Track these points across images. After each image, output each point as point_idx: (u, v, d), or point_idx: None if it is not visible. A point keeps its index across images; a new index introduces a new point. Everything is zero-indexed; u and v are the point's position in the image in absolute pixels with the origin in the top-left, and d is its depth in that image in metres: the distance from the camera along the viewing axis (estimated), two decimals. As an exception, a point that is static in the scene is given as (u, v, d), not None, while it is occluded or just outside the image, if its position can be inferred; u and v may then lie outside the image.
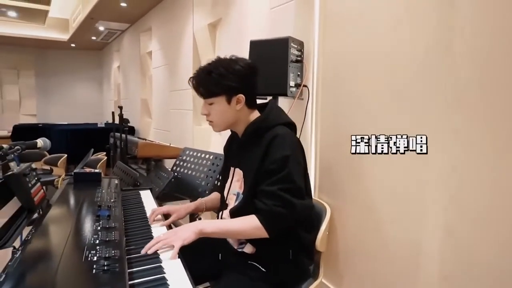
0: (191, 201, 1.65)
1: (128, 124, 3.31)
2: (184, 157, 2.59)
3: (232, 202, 1.35)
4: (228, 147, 1.52)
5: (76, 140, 5.96)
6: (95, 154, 4.55)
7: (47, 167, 4.46)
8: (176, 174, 2.39)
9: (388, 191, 1.40)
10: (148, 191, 1.92)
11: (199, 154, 2.52)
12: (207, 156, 2.45)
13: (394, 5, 1.39)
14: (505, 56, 1.04)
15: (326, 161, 1.40)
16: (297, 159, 1.20)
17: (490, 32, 1.08)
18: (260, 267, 1.24)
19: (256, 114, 1.31)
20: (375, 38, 1.46)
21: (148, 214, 1.43)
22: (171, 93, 4.51)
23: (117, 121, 3.07)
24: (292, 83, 1.94)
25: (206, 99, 1.26)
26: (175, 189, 2.36)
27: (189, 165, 2.52)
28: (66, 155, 4.79)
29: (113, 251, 0.91)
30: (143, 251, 1.05)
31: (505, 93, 1.05)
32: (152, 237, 1.17)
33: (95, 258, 0.86)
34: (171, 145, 3.14)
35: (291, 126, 1.32)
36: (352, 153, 1.42)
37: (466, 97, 1.14)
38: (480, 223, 1.09)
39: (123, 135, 2.79)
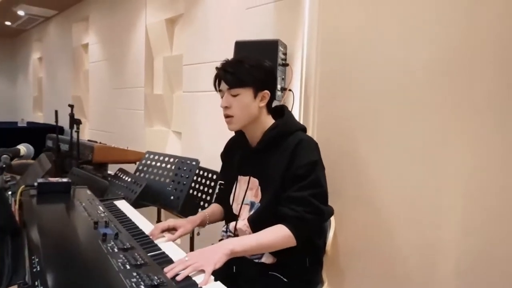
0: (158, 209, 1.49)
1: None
2: (148, 162, 2.39)
3: (245, 212, 1.27)
4: (228, 154, 1.43)
5: (-11, 142, 5.10)
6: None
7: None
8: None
9: (396, 192, 1.45)
10: (123, 201, 1.73)
11: (163, 158, 2.34)
12: (171, 160, 2.30)
13: (398, 10, 1.45)
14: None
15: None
16: (322, 165, 1.20)
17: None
18: (282, 277, 1.20)
19: (271, 119, 1.27)
20: (380, 40, 1.50)
21: (140, 227, 1.28)
22: (116, 91, 4.13)
23: (64, 122, 2.70)
24: (278, 87, 1.91)
25: (231, 89, 1.18)
26: (142, 196, 2.16)
27: (154, 170, 2.32)
28: (-20, 159, 4.06)
29: (155, 277, 0.78)
30: (169, 274, 0.88)
31: None
32: (165, 255, 1.04)
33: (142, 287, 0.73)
34: (129, 149, 2.86)
35: (305, 130, 1.31)
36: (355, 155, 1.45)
37: (477, 99, 1.22)
38: (498, 224, 1.19)
39: (74, 138, 2.45)
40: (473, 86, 1.25)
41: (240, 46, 1.93)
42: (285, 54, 1.97)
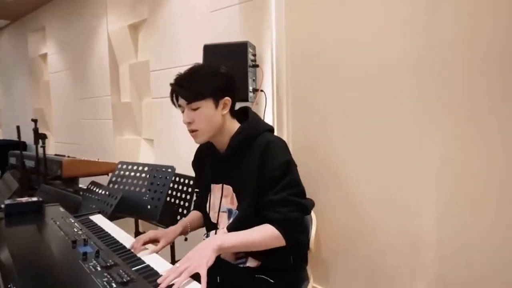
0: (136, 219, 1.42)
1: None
2: (121, 172, 2.32)
3: (223, 220, 1.26)
4: (199, 162, 1.40)
5: None
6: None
7: None
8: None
9: (374, 187, 1.50)
10: (99, 215, 1.67)
11: (137, 168, 2.29)
12: (146, 168, 2.25)
13: (366, 6, 1.48)
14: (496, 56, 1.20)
15: (298, 166, 1.40)
16: (294, 162, 1.20)
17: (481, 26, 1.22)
18: (268, 279, 1.20)
19: (236, 123, 1.24)
20: (352, 38, 1.53)
21: (121, 241, 1.24)
22: (81, 101, 3.98)
23: (27, 137, 2.56)
24: (250, 88, 1.92)
25: (191, 104, 1.14)
26: (119, 208, 2.09)
27: (129, 180, 2.26)
28: None
29: (144, 294, 0.76)
30: (163, 285, 0.86)
31: (489, 94, 1.22)
32: (150, 268, 1.01)
33: (132, 306, 0.71)
34: (100, 160, 2.77)
35: (273, 131, 1.30)
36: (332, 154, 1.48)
37: (462, 98, 1.28)
38: (471, 209, 1.26)
39: (40, 153, 2.33)
40: (442, 83, 1.31)
41: (209, 49, 1.92)
42: (254, 55, 1.97)
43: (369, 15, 1.48)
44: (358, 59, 1.51)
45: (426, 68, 1.35)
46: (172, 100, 1.19)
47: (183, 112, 1.18)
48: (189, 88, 1.13)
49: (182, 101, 1.16)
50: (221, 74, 1.18)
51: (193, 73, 1.16)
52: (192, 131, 1.18)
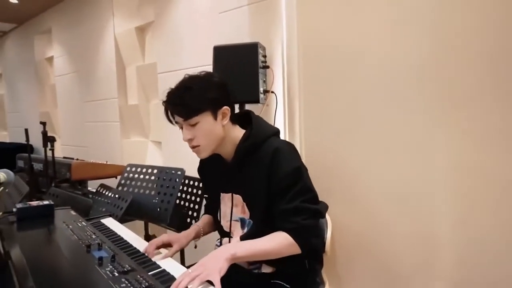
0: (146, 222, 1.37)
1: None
2: (130, 175, 2.31)
3: (236, 229, 1.23)
4: (205, 171, 1.36)
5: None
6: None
7: None
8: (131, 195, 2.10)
9: (388, 189, 1.47)
10: (111, 218, 1.66)
11: (146, 170, 2.27)
12: (155, 171, 2.23)
13: (378, 7, 1.46)
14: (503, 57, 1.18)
15: (311, 168, 1.36)
16: (305, 166, 1.16)
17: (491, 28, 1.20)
18: (284, 284, 1.18)
19: (238, 129, 1.20)
20: (364, 39, 1.51)
21: (134, 245, 1.22)
22: (87, 104, 3.98)
23: (35, 140, 2.55)
24: (260, 89, 1.90)
25: (188, 120, 1.09)
26: (128, 211, 2.08)
27: (138, 183, 2.25)
28: None
29: (165, 300, 0.74)
30: None
31: (498, 94, 1.20)
32: (167, 272, 1.00)
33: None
34: (108, 163, 2.76)
35: (279, 134, 1.24)
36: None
37: (469, 97, 1.26)
38: (486, 211, 1.24)
39: (49, 156, 2.33)
40: (454, 83, 1.29)
41: (219, 50, 1.90)
42: (265, 56, 1.95)
43: (382, 15, 1.46)
44: (371, 59, 1.49)
45: (441, 69, 1.32)
46: (167, 117, 1.14)
47: (181, 128, 1.14)
48: (183, 104, 1.08)
49: (178, 118, 1.11)
50: (214, 84, 1.13)
51: (185, 88, 1.10)
52: (193, 147, 1.14)
